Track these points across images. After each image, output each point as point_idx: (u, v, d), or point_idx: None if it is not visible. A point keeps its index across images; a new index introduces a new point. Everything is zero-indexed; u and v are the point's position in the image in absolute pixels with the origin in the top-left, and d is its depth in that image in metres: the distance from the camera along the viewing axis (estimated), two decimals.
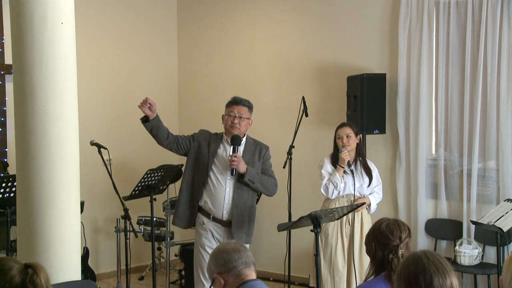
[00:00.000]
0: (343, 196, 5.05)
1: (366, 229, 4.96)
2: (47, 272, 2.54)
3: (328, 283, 5.03)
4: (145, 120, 4.61)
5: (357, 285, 4.85)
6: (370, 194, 5.12)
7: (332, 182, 5.01)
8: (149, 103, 4.52)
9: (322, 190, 5.07)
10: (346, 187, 5.04)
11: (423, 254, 2.36)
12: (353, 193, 5.04)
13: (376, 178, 5.19)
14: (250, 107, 4.79)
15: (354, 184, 5.02)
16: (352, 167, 5.05)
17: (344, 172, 5.05)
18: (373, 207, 5.14)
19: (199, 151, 4.72)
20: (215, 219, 4.66)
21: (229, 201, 4.65)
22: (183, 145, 4.73)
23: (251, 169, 4.67)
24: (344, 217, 4.94)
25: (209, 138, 4.77)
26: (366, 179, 5.11)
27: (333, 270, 5.01)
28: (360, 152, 5.15)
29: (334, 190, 5.02)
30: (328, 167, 5.09)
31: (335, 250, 5.01)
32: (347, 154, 5.01)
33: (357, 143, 5.12)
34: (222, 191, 4.64)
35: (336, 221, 4.92)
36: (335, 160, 5.10)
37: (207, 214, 4.67)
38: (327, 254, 5.04)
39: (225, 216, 4.65)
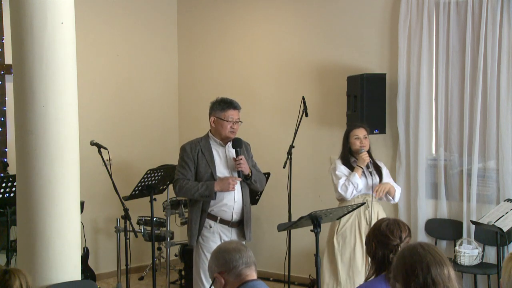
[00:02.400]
0: (358, 197, 5.02)
1: None
2: (27, 278, 2.57)
3: (348, 285, 4.98)
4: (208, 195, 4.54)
5: None
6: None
7: (352, 183, 4.93)
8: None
9: (340, 191, 4.97)
10: (362, 188, 5.03)
11: (419, 245, 2.35)
12: (368, 193, 5.00)
13: (387, 174, 5.13)
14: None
15: (373, 184, 4.99)
16: (370, 168, 5.02)
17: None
18: (398, 195, 5.07)
19: (197, 164, 4.62)
20: (222, 221, 4.64)
21: (239, 202, 4.65)
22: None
23: (253, 169, 4.70)
24: (362, 217, 4.95)
25: (199, 148, 4.64)
26: (377, 178, 5.08)
27: (353, 272, 4.94)
28: (370, 152, 5.12)
29: (354, 191, 4.95)
30: (342, 168, 5.03)
31: (354, 251, 4.95)
32: (367, 155, 4.99)
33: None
34: (231, 194, 4.61)
35: (353, 222, 4.95)
36: (347, 161, 5.06)
37: (213, 218, 4.62)
38: (346, 256, 4.97)
39: (234, 217, 4.64)
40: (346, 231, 4.99)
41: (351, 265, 4.96)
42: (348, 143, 5.07)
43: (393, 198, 5.06)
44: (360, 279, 4.92)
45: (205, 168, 4.60)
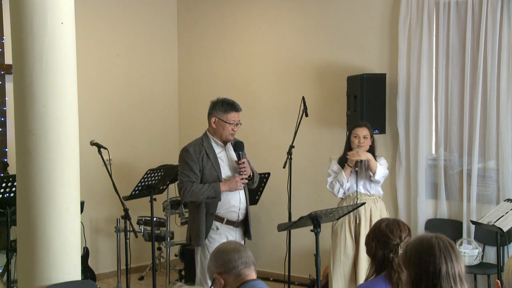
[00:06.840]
0: (349, 195, 5.08)
1: (377, 218, 4.91)
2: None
3: (339, 283, 5.03)
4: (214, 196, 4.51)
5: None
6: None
7: (338, 181, 5.04)
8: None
9: (328, 188, 5.14)
10: (351, 186, 5.06)
11: (431, 237, 2.34)
12: (358, 191, 5.04)
13: (382, 164, 5.10)
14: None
15: (357, 182, 5.02)
16: (357, 168, 5.03)
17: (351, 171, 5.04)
18: (379, 174, 5.02)
19: (203, 167, 4.58)
20: (228, 222, 4.63)
21: (243, 203, 4.66)
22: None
23: (254, 171, 4.71)
24: (351, 217, 4.99)
25: (202, 149, 4.58)
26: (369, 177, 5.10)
27: (344, 270, 5.01)
28: (370, 152, 5.10)
29: (340, 189, 5.05)
30: (334, 166, 5.13)
31: (345, 249, 5.01)
32: (356, 154, 4.98)
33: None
34: (237, 195, 4.62)
35: (343, 219, 4.97)
36: (343, 159, 5.09)
37: (220, 219, 4.60)
38: (337, 252, 5.05)
39: (240, 218, 4.65)
40: (338, 229, 5.09)
41: (343, 262, 5.01)
42: (350, 141, 5.09)
43: (373, 174, 5.01)
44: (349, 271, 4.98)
45: (210, 171, 4.56)
